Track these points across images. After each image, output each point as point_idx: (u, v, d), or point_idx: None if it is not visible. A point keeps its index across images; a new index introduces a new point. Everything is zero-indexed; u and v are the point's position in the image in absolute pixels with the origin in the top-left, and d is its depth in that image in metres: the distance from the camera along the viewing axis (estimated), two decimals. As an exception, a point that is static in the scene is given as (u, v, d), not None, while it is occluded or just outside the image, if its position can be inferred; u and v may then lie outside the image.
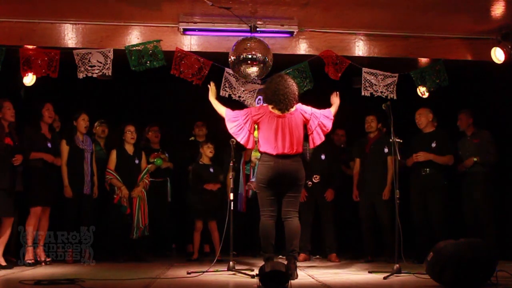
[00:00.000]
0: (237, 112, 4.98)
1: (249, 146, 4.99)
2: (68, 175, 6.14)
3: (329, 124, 5.00)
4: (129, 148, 6.58)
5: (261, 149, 4.85)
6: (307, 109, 4.96)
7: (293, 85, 4.87)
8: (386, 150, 6.38)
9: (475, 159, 6.23)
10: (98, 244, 5.75)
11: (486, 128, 6.43)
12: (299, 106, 4.94)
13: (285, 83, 4.83)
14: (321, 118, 4.96)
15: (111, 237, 6.33)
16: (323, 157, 6.67)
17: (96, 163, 6.49)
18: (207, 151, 6.62)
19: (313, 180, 6.60)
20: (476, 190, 6.25)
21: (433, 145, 6.28)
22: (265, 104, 4.98)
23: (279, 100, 4.78)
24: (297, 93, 4.91)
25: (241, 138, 4.92)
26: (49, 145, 5.98)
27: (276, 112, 4.82)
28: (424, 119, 6.38)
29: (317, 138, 4.99)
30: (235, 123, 4.91)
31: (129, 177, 6.45)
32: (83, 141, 6.34)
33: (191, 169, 6.71)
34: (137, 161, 6.58)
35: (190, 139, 7.46)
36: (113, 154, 6.49)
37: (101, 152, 6.75)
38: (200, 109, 7.82)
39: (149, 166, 6.75)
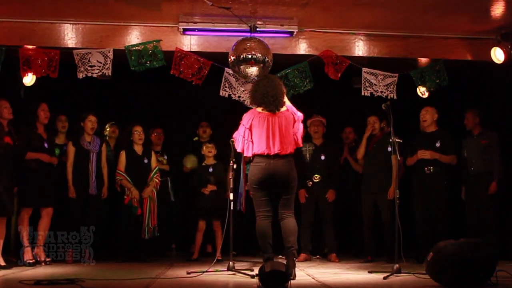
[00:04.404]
0: (238, 131, 4.99)
1: (247, 154, 4.92)
2: (73, 176, 6.16)
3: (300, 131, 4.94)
4: (138, 149, 6.58)
5: (253, 151, 4.83)
6: (296, 112, 4.93)
7: (280, 85, 4.90)
8: (389, 149, 6.34)
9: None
10: (110, 244, 5.72)
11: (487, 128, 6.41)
12: (290, 106, 4.95)
13: (272, 84, 4.86)
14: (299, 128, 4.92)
15: (123, 238, 6.35)
16: (322, 157, 6.70)
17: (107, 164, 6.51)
18: (206, 151, 6.70)
19: (313, 180, 6.62)
20: (480, 190, 6.23)
21: (437, 145, 6.23)
22: (253, 107, 4.98)
23: (268, 102, 4.80)
24: (284, 92, 4.92)
25: (239, 147, 4.95)
26: (45, 145, 5.98)
27: (266, 112, 4.84)
28: (429, 117, 6.31)
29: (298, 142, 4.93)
30: (239, 141, 4.93)
31: (139, 177, 6.46)
32: (90, 142, 6.34)
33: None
34: (146, 161, 6.57)
35: (194, 139, 7.44)
36: (122, 155, 6.50)
37: (109, 153, 6.75)
38: (202, 109, 7.88)
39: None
